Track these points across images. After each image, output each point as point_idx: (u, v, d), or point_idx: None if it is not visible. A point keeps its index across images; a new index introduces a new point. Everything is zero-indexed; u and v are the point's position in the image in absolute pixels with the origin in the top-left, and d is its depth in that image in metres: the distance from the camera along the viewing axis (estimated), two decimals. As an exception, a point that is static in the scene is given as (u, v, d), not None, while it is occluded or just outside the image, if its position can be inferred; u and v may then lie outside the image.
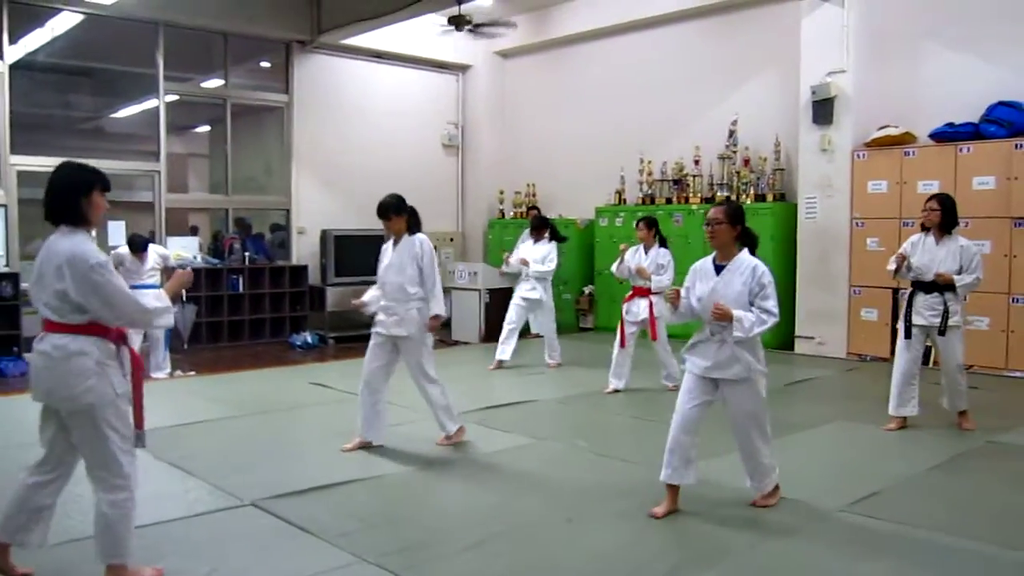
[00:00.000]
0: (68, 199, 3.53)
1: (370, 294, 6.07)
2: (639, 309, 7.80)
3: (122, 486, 3.53)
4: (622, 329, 7.92)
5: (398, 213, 5.90)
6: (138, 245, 8.74)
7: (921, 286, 6.30)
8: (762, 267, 4.51)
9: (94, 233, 3.68)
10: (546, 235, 9.42)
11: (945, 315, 6.18)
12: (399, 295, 5.87)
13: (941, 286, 6.17)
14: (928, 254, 6.27)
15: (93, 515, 3.56)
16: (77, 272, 3.41)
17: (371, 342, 6.02)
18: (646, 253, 7.84)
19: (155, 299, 3.66)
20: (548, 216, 11.97)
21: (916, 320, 6.30)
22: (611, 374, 7.97)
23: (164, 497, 4.85)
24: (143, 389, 3.68)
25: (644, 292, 7.77)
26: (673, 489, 4.58)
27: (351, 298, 11.83)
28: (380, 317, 5.95)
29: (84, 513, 4.50)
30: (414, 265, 5.87)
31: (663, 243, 7.89)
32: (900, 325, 6.45)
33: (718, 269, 4.58)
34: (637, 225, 7.99)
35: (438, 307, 5.91)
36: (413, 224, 6.00)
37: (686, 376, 4.66)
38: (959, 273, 6.15)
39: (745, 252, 4.57)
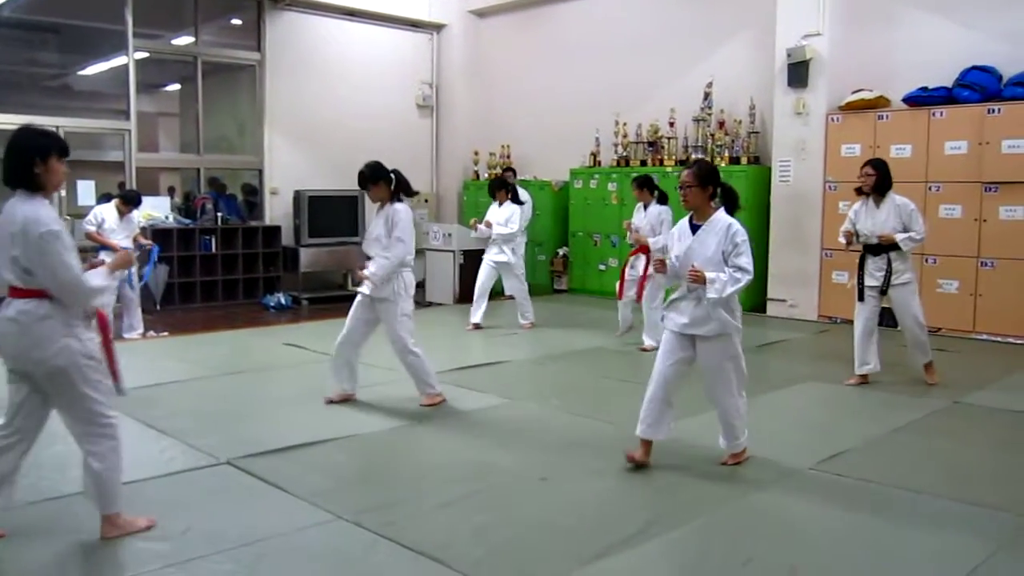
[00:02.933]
0: (24, 164, 3.52)
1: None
2: (640, 265, 7.96)
3: (107, 435, 3.63)
4: (621, 282, 8.14)
5: (374, 182, 5.91)
6: (132, 199, 8.67)
7: (870, 249, 6.59)
8: (736, 226, 4.55)
9: (57, 197, 3.70)
10: (508, 197, 9.47)
11: (888, 274, 6.45)
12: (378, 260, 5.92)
13: (887, 246, 6.43)
14: (871, 218, 6.54)
15: (83, 471, 3.68)
16: (29, 237, 3.42)
17: (355, 302, 6.09)
18: (645, 211, 7.96)
19: (97, 277, 3.61)
20: (523, 178, 12.04)
21: (868, 281, 6.60)
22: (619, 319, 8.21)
23: (138, 456, 4.83)
24: (113, 345, 3.72)
25: (646, 250, 7.87)
26: (645, 443, 4.66)
27: (325, 258, 11.94)
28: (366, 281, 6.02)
29: (63, 469, 4.52)
30: (388, 235, 5.87)
31: (662, 200, 7.94)
32: (854, 288, 6.66)
33: (694, 229, 4.64)
34: (632, 186, 8.14)
35: (374, 266, 5.82)
36: (397, 189, 5.97)
37: (665, 334, 4.73)
38: (904, 231, 6.39)
39: (721, 212, 4.61)
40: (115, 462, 3.67)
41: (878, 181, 6.47)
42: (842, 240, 6.67)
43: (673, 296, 4.71)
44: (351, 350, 6.05)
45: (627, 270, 8.14)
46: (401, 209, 5.93)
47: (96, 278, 3.61)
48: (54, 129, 10.07)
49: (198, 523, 3.90)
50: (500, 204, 9.45)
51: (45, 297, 3.49)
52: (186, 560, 3.52)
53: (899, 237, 6.36)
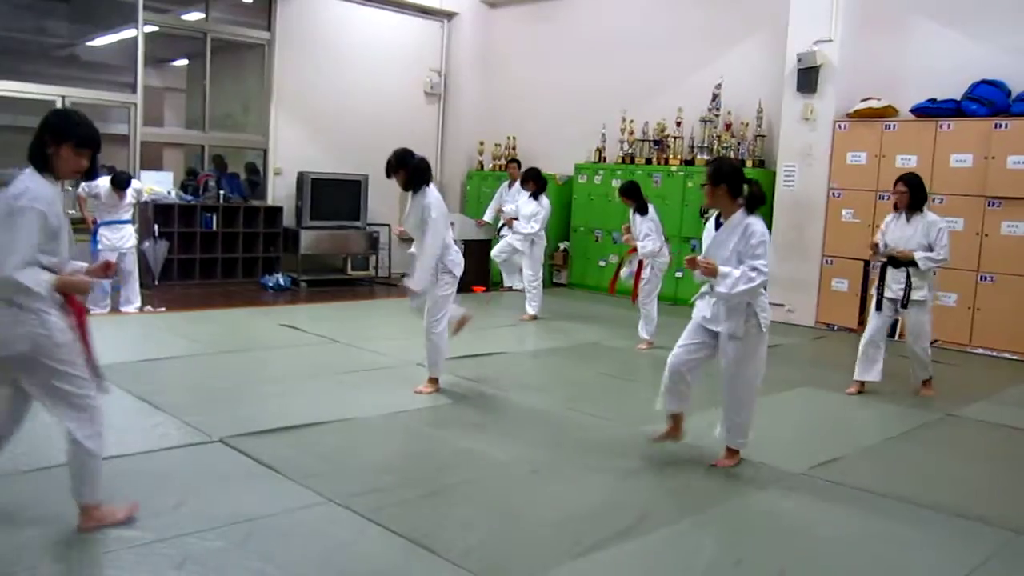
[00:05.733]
0: (39, 142, 3.43)
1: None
2: (635, 263, 8.07)
3: (88, 419, 3.47)
4: (614, 279, 8.50)
5: (395, 170, 5.94)
6: (121, 182, 8.64)
7: (892, 261, 6.56)
8: (754, 226, 4.51)
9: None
10: (536, 190, 9.49)
11: (908, 289, 6.42)
12: (417, 248, 5.99)
13: (905, 261, 6.43)
14: (899, 231, 6.53)
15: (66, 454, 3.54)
16: (3, 201, 3.30)
17: None
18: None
19: (28, 275, 3.29)
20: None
21: (887, 293, 6.55)
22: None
23: (131, 430, 4.84)
24: (90, 337, 3.54)
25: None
26: (675, 417, 4.79)
27: (326, 241, 11.92)
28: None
29: (52, 439, 4.50)
30: (423, 223, 5.88)
31: (644, 208, 7.96)
32: (873, 296, 6.64)
33: (719, 227, 4.65)
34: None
35: (415, 277, 5.90)
36: (415, 178, 5.93)
37: (691, 321, 4.80)
38: (929, 249, 6.37)
39: (741, 211, 4.57)
40: (94, 449, 3.49)
41: (910, 199, 6.44)
42: (872, 249, 6.68)
43: (702, 289, 4.76)
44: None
45: (623, 268, 8.27)
46: (431, 197, 5.90)
47: (32, 275, 3.32)
48: (60, 99, 10.16)
49: (189, 500, 3.89)
50: (531, 196, 9.48)
51: None
52: (176, 535, 3.51)
53: (918, 255, 6.34)
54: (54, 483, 3.96)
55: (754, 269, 4.42)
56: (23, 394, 3.54)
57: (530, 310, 9.46)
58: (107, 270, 3.77)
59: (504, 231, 9.83)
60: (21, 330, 3.32)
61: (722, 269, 4.43)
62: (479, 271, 11.68)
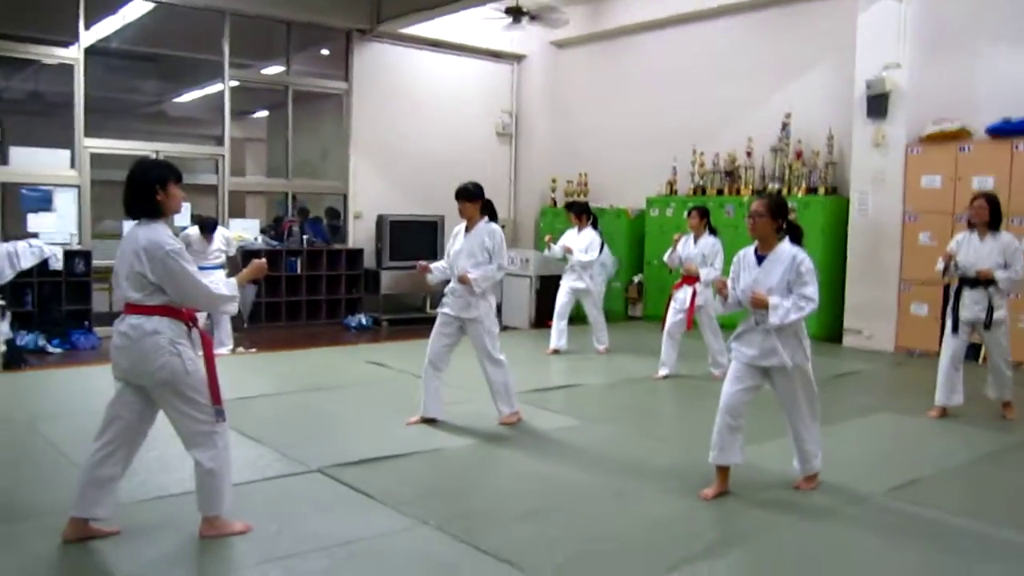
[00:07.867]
0: (147, 194, 3.85)
1: (438, 264, 6.37)
2: (685, 296, 7.99)
3: (210, 444, 3.91)
4: (665, 315, 8.17)
5: (475, 199, 6.17)
6: (207, 227, 9.14)
7: (967, 282, 6.51)
8: (802, 255, 4.64)
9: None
10: (588, 223, 9.62)
11: (990, 310, 6.38)
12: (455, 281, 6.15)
13: (985, 281, 6.38)
14: (973, 251, 6.48)
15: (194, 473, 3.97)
16: (154, 258, 3.75)
17: (437, 322, 6.27)
18: (695, 242, 8.01)
19: (225, 286, 3.97)
20: (599, 205, 12.17)
21: (963, 314, 6.51)
22: (660, 360, 8.15)
23: (236, 461, 5.08)
24: (216, 366, 3.95)
25: (692, 281, 7.94)
26: (722, 471, 4.74)
27: (405, 281, 12.26)
28: (447, 299, 6.21)
29: (168, 470, 4.82)
30: (484, 252, 6.12)
31: (713, 232, 8.04)
32: (948, 319, 6.60)
33: (760, 260, 4.73)
34: (689, 214, 8.17)
35: (478, 272, 6.05)
36: (489, 210, 6.27)
37: (732, 363, 4.82)
38: (1004, 268, 6.34)
39: (786, 242, 4.70)
40: (219, 468, 3.93)
41: (989, 216, 6.43)
42: (939, 267, 6.57)
43: (740, 328, 4.78)
44: (437, 377, 6.24)
45: (671, 304, 8.15)
46: (500, 231, 6.23)
47: (226, 287, 3.95)
48: (154, 154, 10.72)
49: (292, 525, 4.15)
50: (580, 230, 9.61)
51: (156, 314, 3.79)
52: (282, 557, 3.76)
53: (999, 275, 6.31)
54: (170, 510, 4.28)
55: (804, 297, 4.53)
56: (150, 410, 3.96)
57: (599, 346, 9.59)
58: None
59: (564, 275, 9.78)
60: (161, 360, 3.77)
61: (772, 300, 4.52)
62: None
